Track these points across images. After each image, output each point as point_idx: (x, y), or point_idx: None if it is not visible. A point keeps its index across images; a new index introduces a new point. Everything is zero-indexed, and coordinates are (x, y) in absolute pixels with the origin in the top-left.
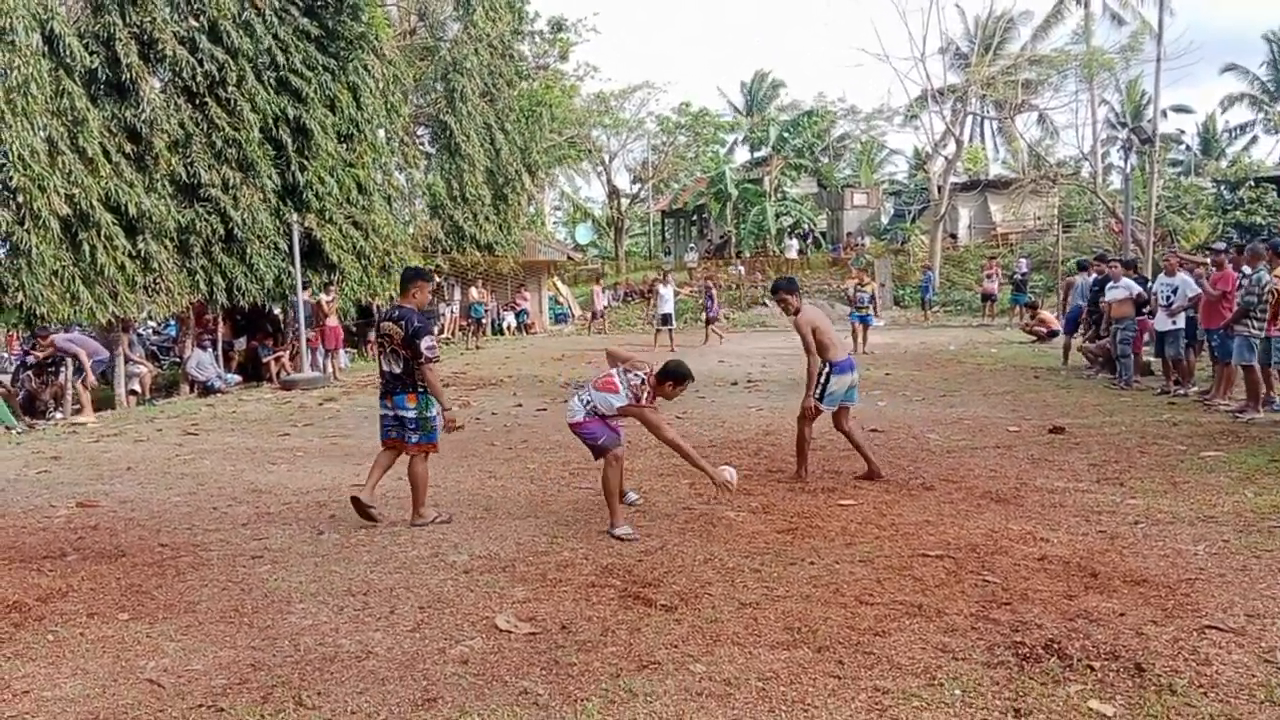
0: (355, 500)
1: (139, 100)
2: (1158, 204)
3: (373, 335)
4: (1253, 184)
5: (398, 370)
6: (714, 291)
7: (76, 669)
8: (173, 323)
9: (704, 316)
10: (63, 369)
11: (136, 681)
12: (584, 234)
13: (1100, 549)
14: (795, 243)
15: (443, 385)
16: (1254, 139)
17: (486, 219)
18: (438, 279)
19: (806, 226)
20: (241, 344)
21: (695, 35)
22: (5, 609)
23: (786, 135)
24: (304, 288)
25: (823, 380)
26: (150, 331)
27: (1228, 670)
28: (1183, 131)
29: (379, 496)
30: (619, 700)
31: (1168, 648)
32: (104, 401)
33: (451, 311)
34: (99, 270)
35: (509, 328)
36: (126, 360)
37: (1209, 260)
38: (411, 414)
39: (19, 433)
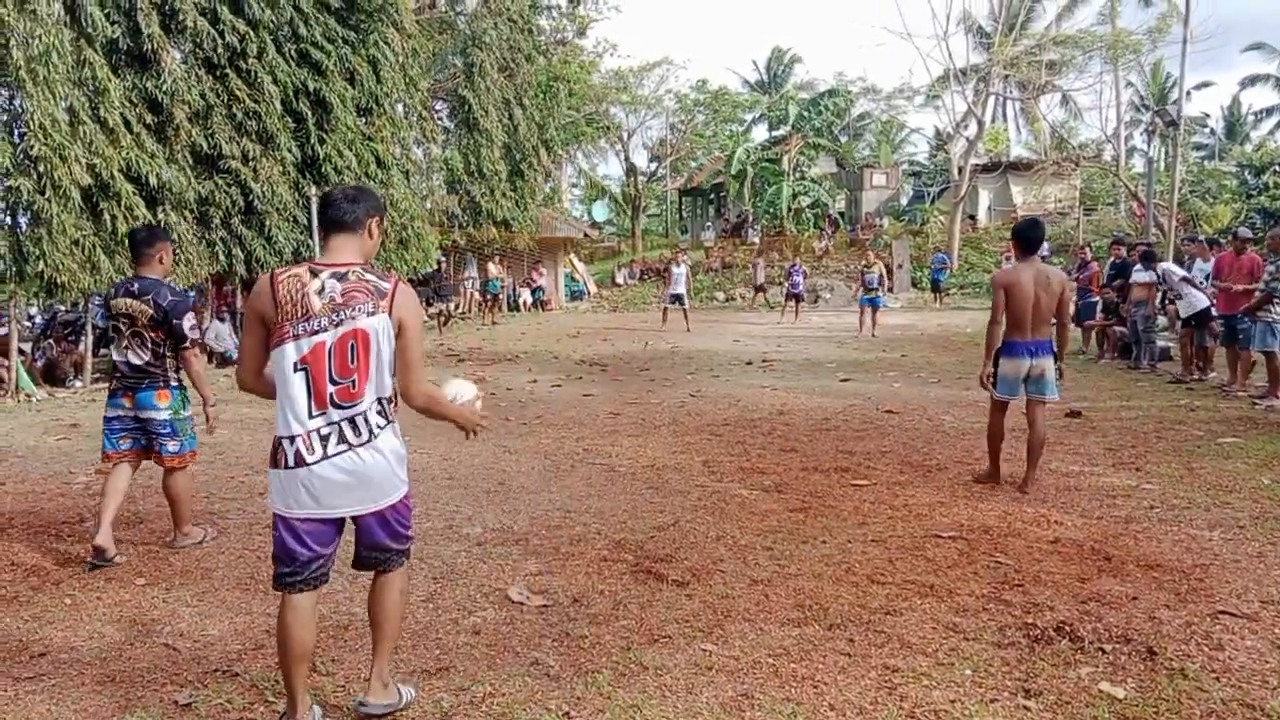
0: (96, 550)
1: (160, 71)
2: (1181, 188)
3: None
4: (1278, 169)
5: (142, 360)
6: (803, 269)
7: (94, 632)
8: (192, 294)
9: (786, 292)
10: (83, 337)
11: (153, 645)
12: (601, 211)
13: (1114, 533)
14: (825, 241)
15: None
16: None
17: (504, 195)
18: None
19: (826, 207)
20: None
21: (715, 11)
22: (24, 573)
23: (806, 114)
24: None
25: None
26: None
27: (1240, 656)
28: (1208, 115)
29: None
30: (630, 673)
31: (1180, 632)
32: None
33: (468, 286)
34: (119, 240)
35: (525, 304)
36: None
37: (1226, 244)
38: (163, 415)
39: (39, 400)
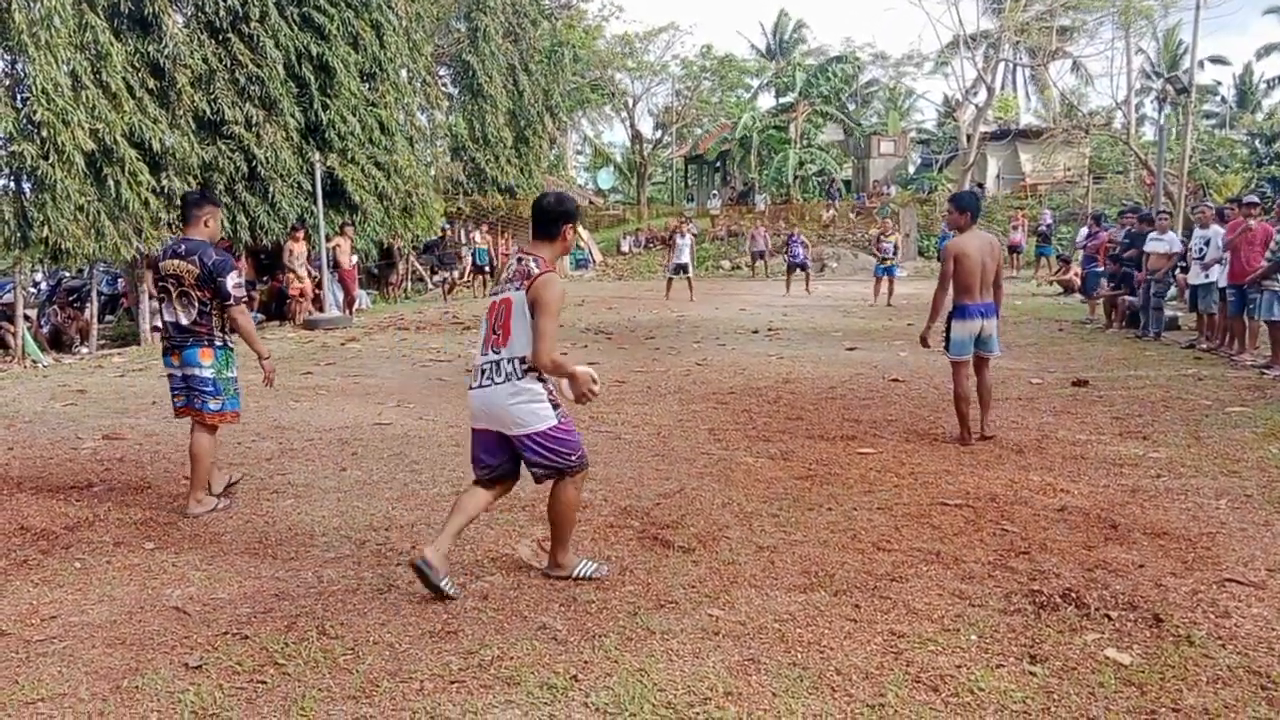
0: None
1: (162, 35)
2: (1191, 156)
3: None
4: None
5: (187, 320)
6: (802, 238)
7: (103, 596)
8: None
9: (789, 263)
10: (88, 304)
11: (162, 609)
12: (606, 179)
13: (1121, 501)
14: (832, 210)
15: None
16: None
17: (508, 161)
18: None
19: (832, 174)
20: (265, 283)
21: None
22: (33, 537)
23: (813, 81)
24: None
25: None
26: None
27: (1247, 623)
28: (1219, 83)
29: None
30: (636, 638)
31: (1186, 599)
32: (129, 337)
33: (466, 254)
34: (123, 206)
35: None
36: (150, 297)
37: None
38: (207, 373)
39: (45, 366)
